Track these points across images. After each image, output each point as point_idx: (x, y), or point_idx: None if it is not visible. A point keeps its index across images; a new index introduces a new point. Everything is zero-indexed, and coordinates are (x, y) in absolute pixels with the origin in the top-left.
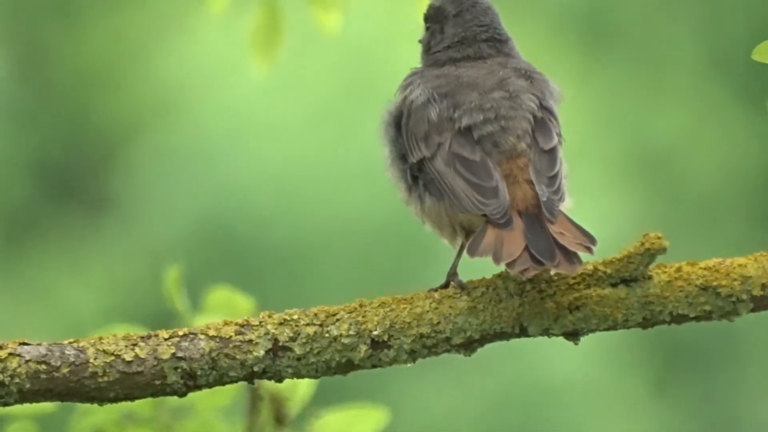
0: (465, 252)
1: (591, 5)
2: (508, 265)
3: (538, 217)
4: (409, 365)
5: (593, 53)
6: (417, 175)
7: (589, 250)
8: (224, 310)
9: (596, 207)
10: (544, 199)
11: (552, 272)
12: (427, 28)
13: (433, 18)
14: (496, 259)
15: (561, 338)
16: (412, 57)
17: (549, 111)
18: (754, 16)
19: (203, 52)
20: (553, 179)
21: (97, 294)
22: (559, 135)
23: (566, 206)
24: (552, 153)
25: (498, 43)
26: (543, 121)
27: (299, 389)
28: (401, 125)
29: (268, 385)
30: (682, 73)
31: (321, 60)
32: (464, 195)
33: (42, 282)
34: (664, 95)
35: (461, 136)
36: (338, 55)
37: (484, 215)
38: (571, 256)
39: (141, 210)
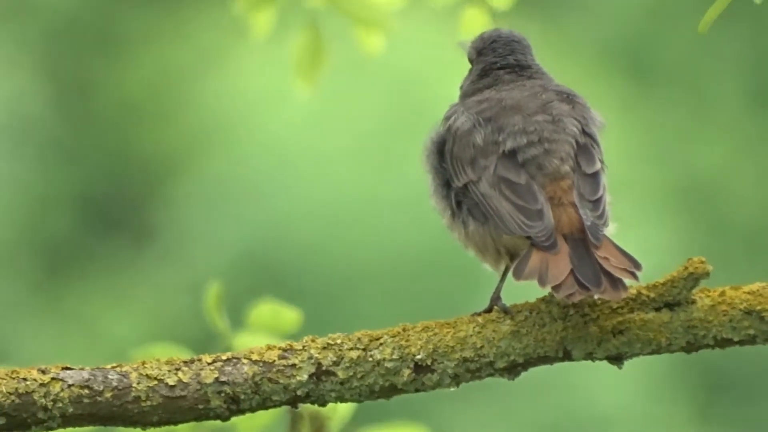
0: (510, 275)
1: (635, 38)
2: (554, 288)
3: (583, 241)
4: (452, 389)
5: (637, 85)
6: (461, 200)
7: (634, 276)
8: (269, 327)
9: (639, 237)
10: (588, 223)
11: (596, 297)
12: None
13: (469, 61)
14: (542, 283)
15: (605, 367)
16: (457, 85)
17: (591, 137)
18: None
19: (246, 83)
20: (597, 203)
21: (139, 325)
22: (602, 161)
23: (610, 231)
24: (595, 177)
25: (518, 68)
26: (585, 146)
27: (339, 409)
28: (445, 152)
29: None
30: (724, 106)
31: (365, 88)
32: (510, 217)
33: (85, 313)
34: (707, 127)
35: (506, 159)
36: (383, 83)
37: (529, 238)
38: (616, 282)
39: (184, 241)
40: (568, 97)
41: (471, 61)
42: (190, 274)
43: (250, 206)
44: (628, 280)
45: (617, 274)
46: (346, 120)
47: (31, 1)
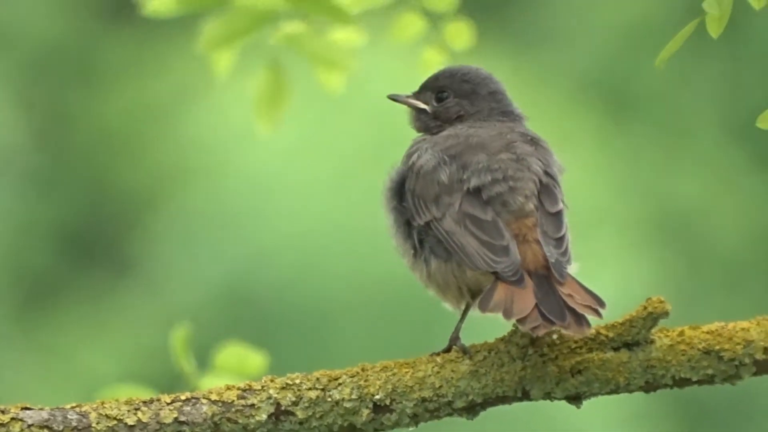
0: (477, 307)
1: (611, 72)
2: (520, 321)
3: (547, 277)
4: (411, 429)
5: (613, 118)
6: (423, 239)
7: (597, 313)
8: (235, 369)
9: (617, 270)
10: (553, 260)
11: (562, 333)
12: (440, 99)
13: (448, 88)
14: (507, 315)
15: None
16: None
17: (553, 178)
18: None
19: (223, 116)
20: (560, 241)
21: (116, 358)
22: (563, 202)
23: (573, 270)
24: (558, 216)
25: (510, 115)
26: (548, 186)
27: None
28: (405, 191)
29: None
30: (701, 138)
31: (341, 119)
32: (476, 253)
33: (62, 344)
34: (684, 160)
35: (471, 196)
36: (359, 114)
37: (495, 273)
38: (580, 318)
39: (162, 274)
40: (532, 140)
41: (443, 89)
42: (167, 307)
43: (228, 239)
44: (591, 318)
45: (581, 310)
46: (323, 151)
47: (10, 33)
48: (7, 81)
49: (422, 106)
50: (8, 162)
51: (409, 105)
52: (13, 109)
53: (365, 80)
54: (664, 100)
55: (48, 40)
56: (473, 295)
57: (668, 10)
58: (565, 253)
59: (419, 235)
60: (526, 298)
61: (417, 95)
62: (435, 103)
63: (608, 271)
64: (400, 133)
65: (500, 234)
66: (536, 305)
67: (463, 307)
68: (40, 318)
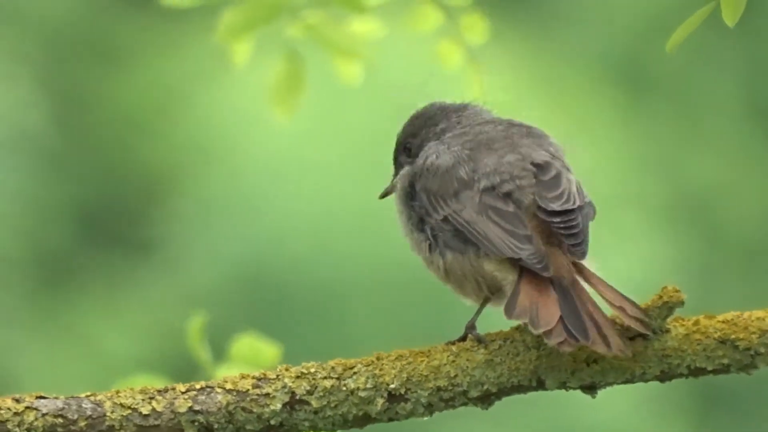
0: (503, 312)
1: (631, 52)
2: (545, 334)
3: (570, 288)
4: (426, 418)
5: (634, 98)
6: (437, 234)
7: (643, 324)
8: (249, 360)
9: (637, 251)
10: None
11: (607, 353)
12: (408, 151)
13: (409, 137)
14: (534, 326)
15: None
16: (442, 97)
17: (567, 168)
18: None
19: (240, 99)
20: (574, 236)
21: (134, 340)
22: (577, 195)
23: (592, 267)
24: (571, 212)
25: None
26: (557, 178)
27: None
28: (417, 191)
29: None
30: (722, 119)
31: (355, 104)
32: (499, 239)
33: (80, 327)
34: (705, 141)
35: (490, 191)
36: (372, 99)
37: (519, 262)
38: (606, 337)
39: (180, 256)
40: (528, 131)
41: (406, 143)
42: (185, 288)
43: (245, 221)
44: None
45: (629, 323)
46: (338, 136)
47: (29, 13)
48: (26, 61)
49: (398, 187)
50: (26, 142)
51: (391, 191)
52: (31, 90)
53: (381, 69)
54: (684, 80)
55: (66, 21)
56: (491, 290)
57: None
58: (579, 245)
59: (433, 230)
60: (551, 309)
61: (395, 164)
62: (408, 158)
63: (629, 251)
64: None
65: (523, 224)
66: (561, 318)
67: (481, 299)
68: (59, 299)
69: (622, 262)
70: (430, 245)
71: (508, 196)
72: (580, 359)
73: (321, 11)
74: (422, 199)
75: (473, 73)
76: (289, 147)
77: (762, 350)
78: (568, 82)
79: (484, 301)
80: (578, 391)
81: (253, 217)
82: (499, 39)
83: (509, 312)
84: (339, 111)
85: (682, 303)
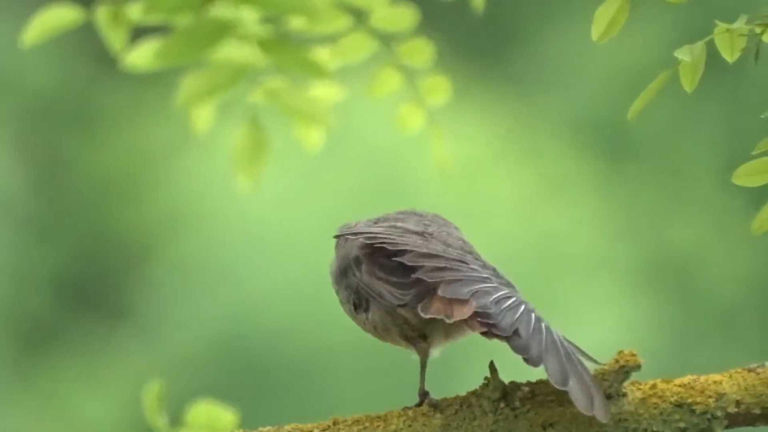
0: (419, 311)
1: (609, 116)
2: (463, 322)
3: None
4: None
5: (611, 162)
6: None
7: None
8: (205, 426)
9: (615, 314)
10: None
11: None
12: None
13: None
14: (448, 318)
15: None
16: (419, 160)
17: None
18: None
19: (211, 165)
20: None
21: (111, 406)
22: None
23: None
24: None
25: None
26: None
27: None
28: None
29: None
30: (698, 183)
31: (328, 169)
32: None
33: (59, 391)
34: (682, 204)
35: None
36: (346, 163)
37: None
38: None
39: (158, 322)
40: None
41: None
42: (163, 355)
43: (223, 287)
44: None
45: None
46: (312, 200)
47: (7, 79)
48: (4, 128)
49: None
50: (5, 209)
51: None
52: (9, 156)
53: (348, 131)
54: (662, 144)
55: (44, 87)
56: (422, 337)
57: (665, 54)
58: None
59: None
60: (465, 307)
61: None
62: None
63: (605, 315)
64: (391, 177)
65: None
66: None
67: (419, 350)
68: (37, 364)
69: (597, 326)
70: (356, 308)
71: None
72: (537, 424)
73: (281, 76)
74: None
75: (435, 136)
76: (264, 213)
77: (719, 414)
78: (545, 144)
79: (423, 363)
80: None
81: (230, 284)
82: (469, 98)
83: (425, 311)
84: (311, 177)
85: (638, 367)
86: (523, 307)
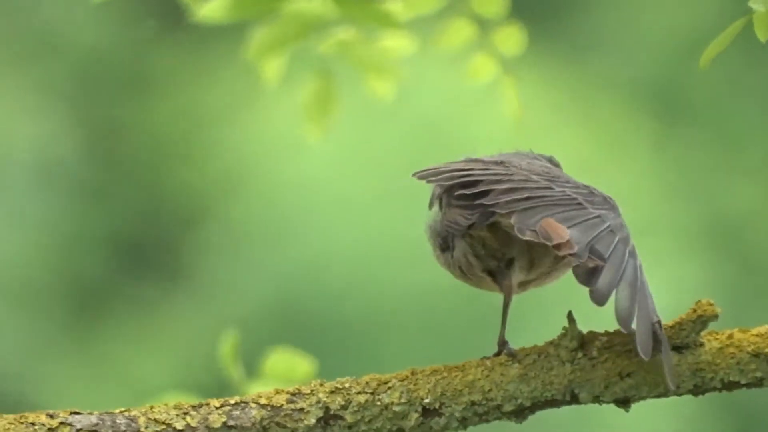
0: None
1: (664, 77)
2: (558, 247)
3: None
4: None
5: (666, 124)
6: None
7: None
8: (283, 376)
9: (667, 276)
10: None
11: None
12: None
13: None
14: (546, 239)
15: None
16: (478, 120)
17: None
18: None
19: (272, 124)
20: None
21: (167, 367)
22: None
23: None
24: None
25: None
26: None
27: None
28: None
29: None
30: (753, 145)
31: (390, 128)
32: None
33: (113, 352)
34: (737, 166)
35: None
36: (407, 123)
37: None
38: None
39: (213, 283)
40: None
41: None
42: (218, 317)
43: (278, 250)
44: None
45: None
46: (371, 160)
47: (60, 41)
48: (58, 91)
49: None
50: (60, 173)
51: None
52: (63, 121)
53: (414, 88)
54: (718, 106)
55: (98, 50)
56: (503, 260)
57: (722, 13)
58: None
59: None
60: (561, 230)
61: None
62: None
63: (660, 276)
64: (442, 140)
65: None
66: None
67: (502, 290)
68: (93, 327)
69: (651, 285)
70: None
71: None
72: (614, 373)
73: (352, 27)
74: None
75: (508, 86)
76: (323, 172)
77: None
78: (600, 105)
79: (504, 313)
80: (612, 405)
81: (286, 244)
82: (531, 62)
83: (521, 232)
84: (371, 136)
85: (716, 317)
86: (613, 236)
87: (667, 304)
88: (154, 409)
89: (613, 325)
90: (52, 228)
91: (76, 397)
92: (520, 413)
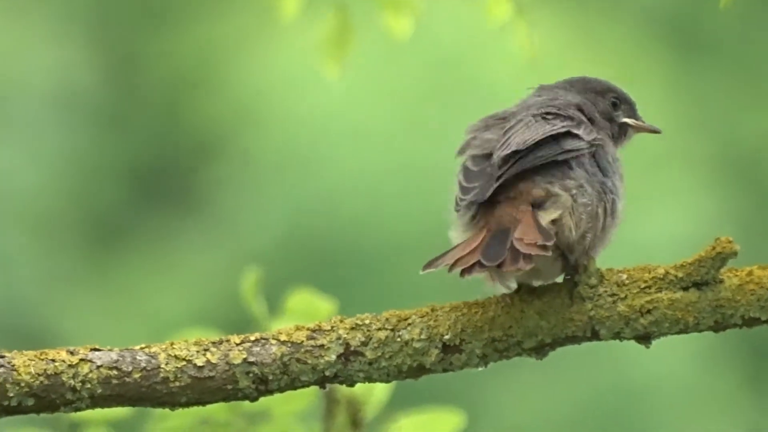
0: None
1: (680, 9)
2: (452, 267)
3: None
4: (481, 369)
5: (683, 56)
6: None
7: (544, 248)
8: (304, 314)
9: (684, 207)
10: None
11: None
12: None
13: None
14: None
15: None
16: (493, 58)
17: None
18: None
19: (290, 56)
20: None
21: (184, 297)
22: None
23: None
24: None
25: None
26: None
27: (375, 393)
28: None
29: (343, 389)
30: None
31: (405, 63)
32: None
33: (131, 283)
34: (753, 98)
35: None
36: (423, 57)
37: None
38: (517, 257)
39: (230, 213)
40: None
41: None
42: (236, 246)
43: (296, 180)
44: (657, 259)
45: (525, 250)
46: (389, 94)
47: None
48: (77, 21)
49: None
50: (79, 102)
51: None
52: (82, 49)
53: (430, 26)
54: (734, 37)
55: None
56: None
57: None
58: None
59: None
60: (472, 244)
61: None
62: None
63: (676, 208)
64: (458, 72)
65: (478, 179)
66: (474, 250)
67: None
68: (112, 258)
69: (666, 216)
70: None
71: (478, 157)
72: (635, 309)
73: None
74: None
75: (522, 26)
76: (340, 105)
77: None
78: (615, 38)
79: None
80: (632, 342)
81: (305, 177)
82: None
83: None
84: (386, 70)
85: (735, 254)
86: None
87: (684, 236)
88: (174, 346)
89: (633, 262)
90: (70, 157)
91: (96, 328)
92: (540, 350)
